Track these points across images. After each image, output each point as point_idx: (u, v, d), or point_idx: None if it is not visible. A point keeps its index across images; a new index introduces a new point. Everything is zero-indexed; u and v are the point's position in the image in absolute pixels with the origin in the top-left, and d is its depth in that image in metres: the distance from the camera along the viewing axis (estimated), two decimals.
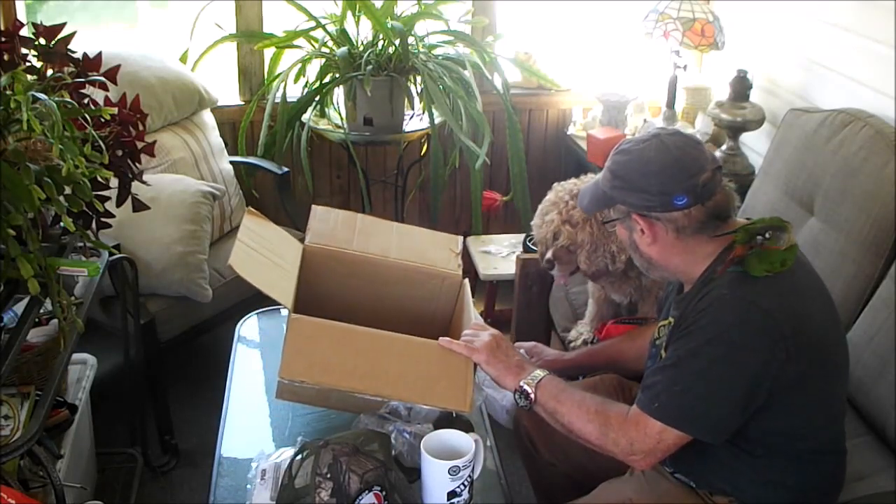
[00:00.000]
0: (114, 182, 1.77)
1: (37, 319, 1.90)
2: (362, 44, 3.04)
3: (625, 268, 1.97)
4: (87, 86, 1.75)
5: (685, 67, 3.12)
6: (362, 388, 1.56)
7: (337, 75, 2.99)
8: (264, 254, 1.71)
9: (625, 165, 1.52)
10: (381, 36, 3.01)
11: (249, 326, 2.18)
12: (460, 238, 1.98)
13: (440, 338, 1.63)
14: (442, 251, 1.93)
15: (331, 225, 1.92)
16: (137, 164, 1.83)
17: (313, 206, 1.96)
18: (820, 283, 1.58)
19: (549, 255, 1.99)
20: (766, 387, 1.44)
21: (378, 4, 2.99)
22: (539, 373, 1.61)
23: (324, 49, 3.05)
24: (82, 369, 2.27)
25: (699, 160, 1.48)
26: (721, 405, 1.46)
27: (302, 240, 1.88)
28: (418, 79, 3.01)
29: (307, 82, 3.10)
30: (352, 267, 1.87)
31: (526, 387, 1.59)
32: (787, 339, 1.42)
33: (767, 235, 1.47)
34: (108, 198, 1.75)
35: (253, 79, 3.31)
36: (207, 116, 3.06)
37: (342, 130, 3.04)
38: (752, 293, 1.44)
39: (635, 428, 1.49)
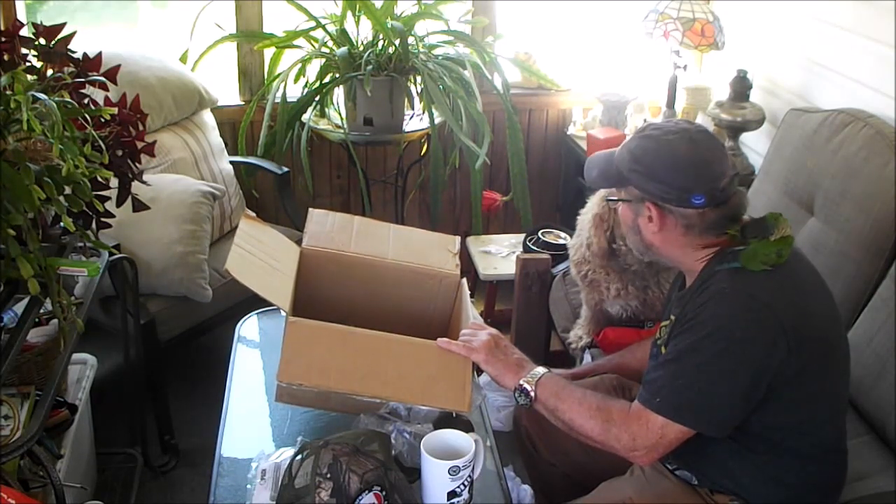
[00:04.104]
0: (114, 182, 1.76)
1: (37, 319, 1.90)
2: (362, 44, 3.04)
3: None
4: (87, 86, 1.75)
5: (685, 67, 3.12)
6: (361, 390, 1.55)
7: (337, 75, 2.98)
8: (261, 257, 1.71)
9: (650, 153, 1.51)
10: (381, 36, 3.00)
11: (249, 326, 2.18)
12: (458, 238, 1.98)
13: (438, 338, 1.63)
14: (439, 251, 1.93)
15: (327, 228, 1.91)
16: (137, 164, 1.83)
17: (310, 210, 1.96)
18: (820, 279, 1.58)
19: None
20: (768, 380, 1.45)
21: (378, 4, 2.98)
22: (539, 370, 1.61)
23: (324, 49, 3.05)
24: (82, 369, 2.27)
25: (724, 164, 1.50)
26: (723, 398, 1.46)
27: (300, 241, 1.88)
28: (418, 79, 3.01)
29: (307, 82, 3.10)
30: (349, 269, 1.86)
31: (526, 385, 1.59)
32: (787, 333, 1.43)
33: (754, 233, 1.49)
34: (108, 198, 1.75)
35: (253, 79, 3.31)
36: (207, 116, 3.06)
37: (342, 130, 3.04)
38: (751, 287, 1.45)
39: (637, 423, 1.49)
